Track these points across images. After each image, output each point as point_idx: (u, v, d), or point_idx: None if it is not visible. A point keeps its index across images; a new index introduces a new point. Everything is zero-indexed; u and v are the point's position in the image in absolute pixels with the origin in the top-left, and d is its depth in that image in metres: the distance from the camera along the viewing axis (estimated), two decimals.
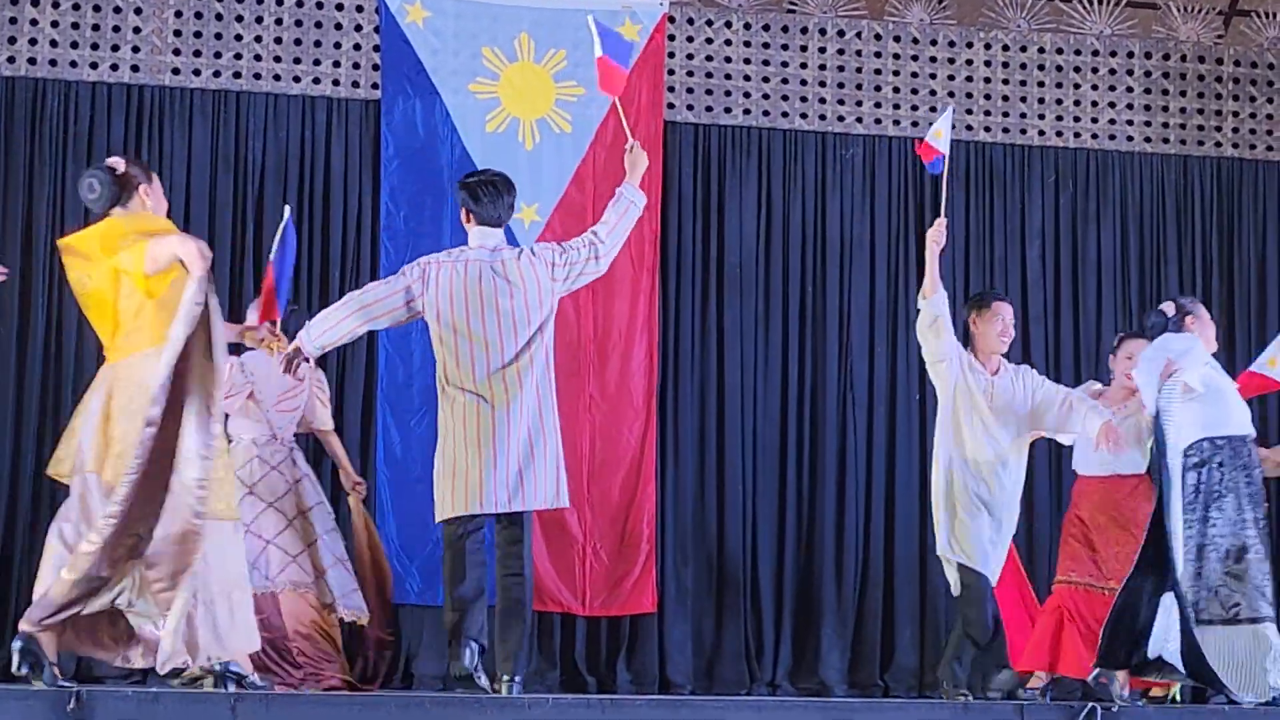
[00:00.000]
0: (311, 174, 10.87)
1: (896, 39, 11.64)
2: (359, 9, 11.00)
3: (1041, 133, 11.73)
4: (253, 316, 9.09)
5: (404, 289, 7.77)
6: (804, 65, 11.53)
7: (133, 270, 6.83)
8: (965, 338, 8.92)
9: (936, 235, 8.82)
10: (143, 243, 6.80)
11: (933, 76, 11.65)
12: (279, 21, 10.90)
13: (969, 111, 11.66)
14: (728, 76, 11.44)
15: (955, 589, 8.78)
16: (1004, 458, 8.73)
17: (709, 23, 11.44)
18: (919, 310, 8.77)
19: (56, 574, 6.75)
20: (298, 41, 10.94)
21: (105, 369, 7.05)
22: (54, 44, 10.65)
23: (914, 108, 11.62)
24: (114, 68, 10.69)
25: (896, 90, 11.61)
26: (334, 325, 7.73)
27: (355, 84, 10.95)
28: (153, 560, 6.70)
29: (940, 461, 8.78)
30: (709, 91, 11.40)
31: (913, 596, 11.13)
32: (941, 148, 9.06)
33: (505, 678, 7.51)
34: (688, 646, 10.96)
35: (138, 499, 6.63)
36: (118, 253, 6.86)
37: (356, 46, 10.97)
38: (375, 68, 10.95)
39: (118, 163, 7.17)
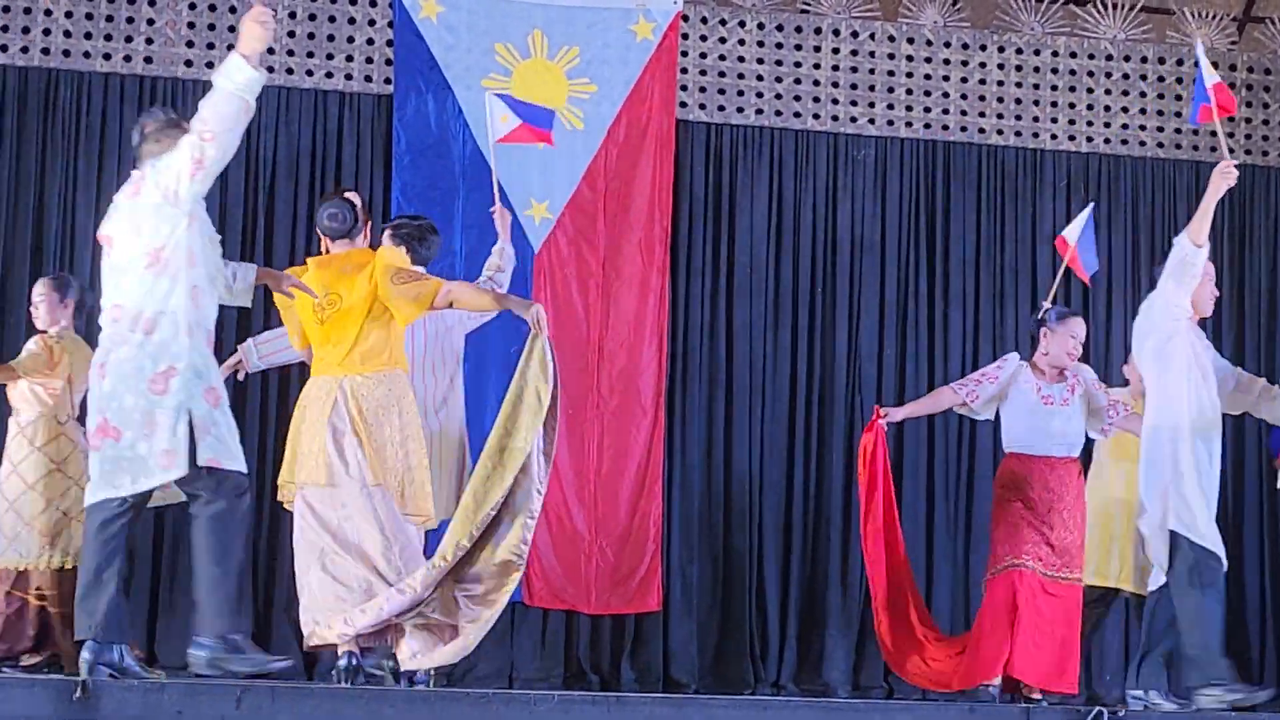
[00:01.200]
0: (323, 169, 10.87)
1: (910, 41, 11.63)
2: (372, 3, 11.00)
3: (1054, 136, 11.73)
4: None
5: None
6: (817, 66, 11.53)
7: (415, 303, 7.37)
8: None
9: (1226, 170, 8.07)
10: (431, 282, 7.41)
11: (945, 79, 11.64)
12: (292, 15, 10.90)
13: (981, 114, 11.66)
14: (740, 76, 11.44)
15: (1162, 574, 8.25)
16: (1214, 427, 8.18)
17: (722, 22, 11.44)
18: (1176, 255, 8.08)
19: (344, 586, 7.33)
20: (310, 35, 10.94)
21: (328, 381, 7.48)
22: (67, 34, 10.66)
23: (926, 109, 11.62)
24: (127, 59, 10.70)
25: (909, 92, 11.61)
26: (283, 350, 8.08)
27: (368, 78, 10.95)
28: (469, 581, 7.28)
29: (1164, 431, 8.07)
30: (721, 91, 11.40)
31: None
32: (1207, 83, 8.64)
33: None
34: (692, 645, 10.96)
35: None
36: (392, 284, 7.37)
37: (369, 41, 10.98)
38: (388, 62, 10.95)
39: (355, 198, 7.67)
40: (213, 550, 6.59)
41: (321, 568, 7.39)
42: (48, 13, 10.65)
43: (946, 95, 11.63)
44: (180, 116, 6.91)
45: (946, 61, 11.67)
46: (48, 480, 8.83)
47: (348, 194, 7.75)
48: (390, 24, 10.96)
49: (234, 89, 6.75)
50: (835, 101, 11.52)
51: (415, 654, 7.30)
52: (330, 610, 7.36)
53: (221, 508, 6.60)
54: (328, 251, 7.61)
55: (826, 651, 11.06)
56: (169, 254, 6.66)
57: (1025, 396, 8.81)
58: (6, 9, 10.59)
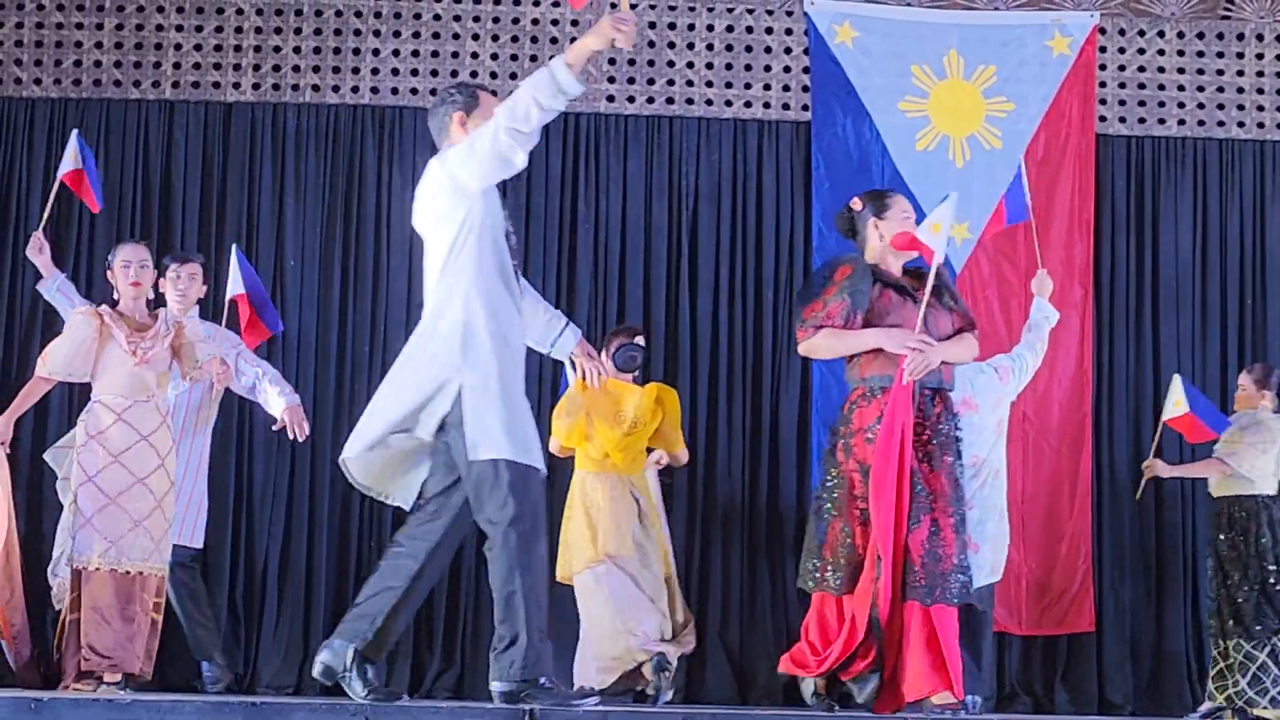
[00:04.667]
0: (744, 196, 11.00)
1: None
2: (788, 32, 11.10)
3: None
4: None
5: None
6: (1240, 73, 11.27)
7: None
8: None
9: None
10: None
11: None
12: (710, 47, 11.06)
13: None
14: (1160, 87, 11.24)
15: None
16: None
17: (1140, 33, 11.26)
18: None
19: None
20: (728, 66, 11.08)
21: (619, 480, 9.33)
22: (493, 75, 10.97)
23: None
24: None
25: None
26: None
27: (785, 106, 11.05)
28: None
29: None
30: (1141, 103, 11.22)
31: None
32: None
33: None
34: (1126, 666, 10.79)
35: None
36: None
37: (786, 69, 11.07)
38: (805, 89, 11.03)
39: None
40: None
41: (622, 622, 9.01)
42: (474, 55, 10.97)
43: None
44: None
45: None
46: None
47: (638, 338, 9.36)
48: (806, 51, 11.04)
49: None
50: (1260, 108, 11.26)
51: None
52: (628, 650, 9.01)
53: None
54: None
55: None
56: None
57: None
58: (435, 54, 10.96)
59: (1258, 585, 9.93)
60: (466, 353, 6.42)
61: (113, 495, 8.21)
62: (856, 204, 7.49)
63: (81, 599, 8.20)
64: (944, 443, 7.16)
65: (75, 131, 9.66)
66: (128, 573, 8.22)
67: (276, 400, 9.04)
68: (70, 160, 9.44)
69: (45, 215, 9.51)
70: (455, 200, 6.49)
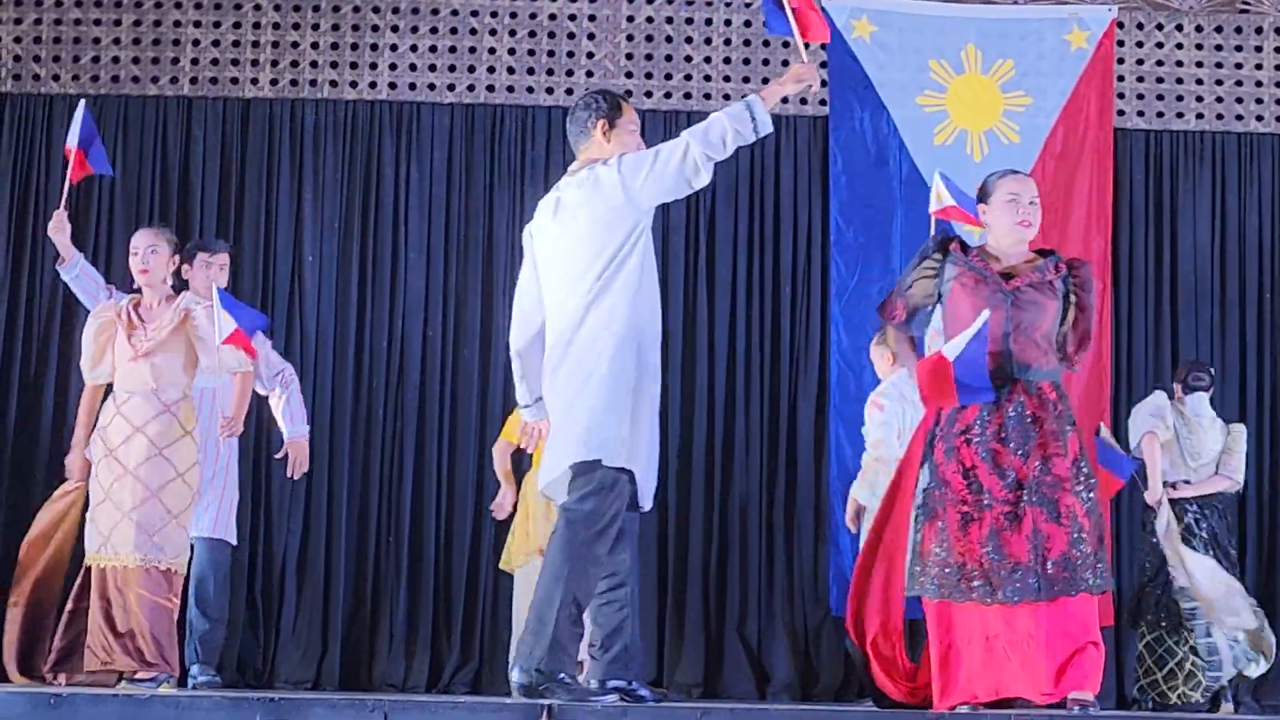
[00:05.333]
0: (761, 192, 11.00)
1: None
2: None
3: None
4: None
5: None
6: (1259, 66, 11.25)
7: None
8: None
9: None
10: None
11: None
12: (727, 42, 11.07)
13: None
14: (1179, 81, 11.23)
15: None
16: None
17: (1159, 26, 11.24)
18: None
19: None
20: (745, 60, 11.08)
21: None
22: (510, 71, 10.99)
23: None
24: (569, 92, 10.97)
25: None
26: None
27: (803, 100, 11.03)
28: None
29: None
30: (1160, 97, 11.21)
31: None
32: None
33: None
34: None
35: None
36: None
37: None
38: (823, 84, 11.01)
39: None
40: None
41: None
42: (492, 51, 10.99)
43: None
44: None
45: None
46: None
47: None
48: (824, 45, 11.02)
49: None
50: (1279, 102, 11.23)
51: None
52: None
53: None
54: None
55: None
56: None
57: None
58: (453, 49, 10.97)
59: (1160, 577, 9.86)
60: (613, 360, 6.42)
61: (107, 489, 8.14)
62: (981, 185, 7.23)
63: (82, 592, 8.20)
64: (1006, 437, 6.85)
65: (82, 102, 9.06)
66: (104, 568, 8.11)
67: (285, 425, 8.97)
68: (74, 135, 8.82)
69: (65, 192, 8.97)
70: (624, 211, 6.50)
